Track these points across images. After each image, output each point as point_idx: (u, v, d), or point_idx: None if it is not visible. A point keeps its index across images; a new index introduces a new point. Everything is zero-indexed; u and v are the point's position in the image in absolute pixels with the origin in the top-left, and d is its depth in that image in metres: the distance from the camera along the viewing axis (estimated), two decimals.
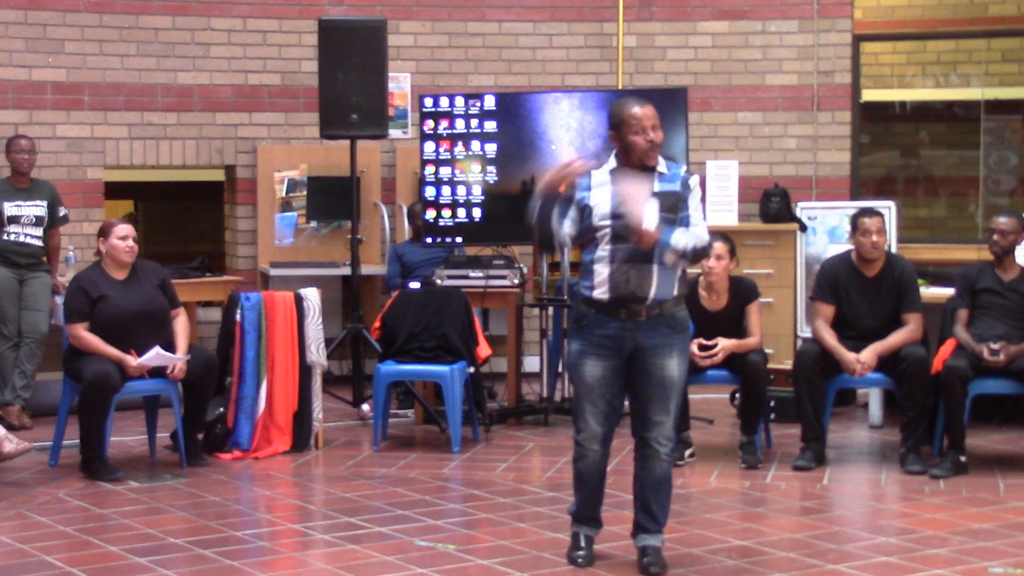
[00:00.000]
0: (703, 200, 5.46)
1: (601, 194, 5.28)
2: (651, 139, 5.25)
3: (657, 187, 5.27)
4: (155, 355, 7.11)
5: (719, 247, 7.37)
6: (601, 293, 5.28)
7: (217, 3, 10.04)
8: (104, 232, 7.35)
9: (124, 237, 7.29)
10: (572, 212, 5.31)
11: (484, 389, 8.51)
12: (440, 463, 7.48)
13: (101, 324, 7.17)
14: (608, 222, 5.25)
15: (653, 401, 5.35)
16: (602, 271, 5.27)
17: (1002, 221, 7.34)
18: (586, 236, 5.32)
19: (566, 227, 5.31)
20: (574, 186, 5.32)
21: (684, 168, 5.48)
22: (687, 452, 7.42)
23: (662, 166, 5.35)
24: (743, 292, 7.51)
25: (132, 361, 7.08)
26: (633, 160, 5.28)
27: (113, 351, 7.10)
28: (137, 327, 7.17)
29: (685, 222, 5.30)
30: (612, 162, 5.36)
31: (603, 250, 5.27)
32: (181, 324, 7.42)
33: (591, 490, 5.49)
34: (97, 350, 7.11)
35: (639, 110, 5.25)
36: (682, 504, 6.61)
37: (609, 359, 5.31)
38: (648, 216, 5.19)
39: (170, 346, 7.25)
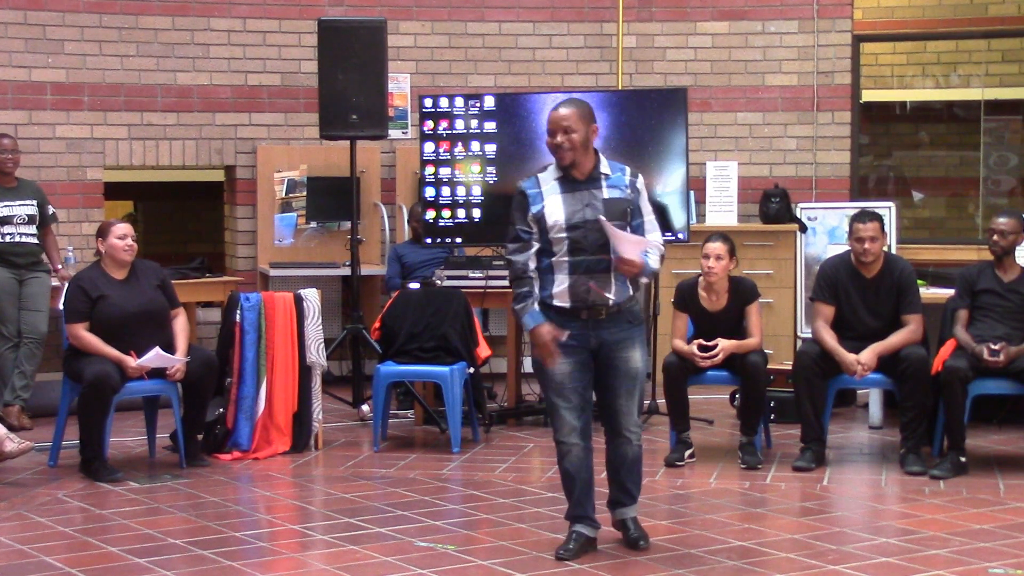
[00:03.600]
0: (648, 200, 5.64)
1: (553, 204, 5.43)
2: (556, 142, 5.41)
3: (606, 194, 5.44)
4: (154, 356, 7.11)
5: (719, 247, 7.37)
6: (561, 302, 5.44)
7: (217, 4, 10.04)
8: (102, 232, 7.35)
9: (123, 236, 7.29)
10: (528, 231, 5.46)
11: (484, 390, 8.51)
12: (440, 464, 7.48)
13: (101, 324, 7.17)
14: (565, 234, 5.40)
15: (621, 393, 5.54)
16: (561, 281, 5.43)
17: (1002, 221, 7.34)
18: (543, 241, 5.47)
19: (530, 265, 5.47)
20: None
21: (628, 171, 5.56)
22: (687, 453, 7.41)
23: (605, 167, 5.50)
24: (743, 292, 7.51)
25: (131, 362, 7.08)
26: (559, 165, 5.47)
27: (112, 352, 7.10)
28: (137, 327, 7.17)
29: (639, 229, 5.48)
30: (555, 169, 5.51)
31: (561, 259, 5.42)
32: (181, 324, 7.41)
33: (581, 487, 5.57)
34: (97, 350, 7.10)
35: (552, 113, 5.45)
36: (682, 504, 6.61)
37: (574, 354, 5.45)
38: (630, 245, 5.36)
39: (170, 346, 7.25)
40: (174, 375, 7.21)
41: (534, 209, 5.43)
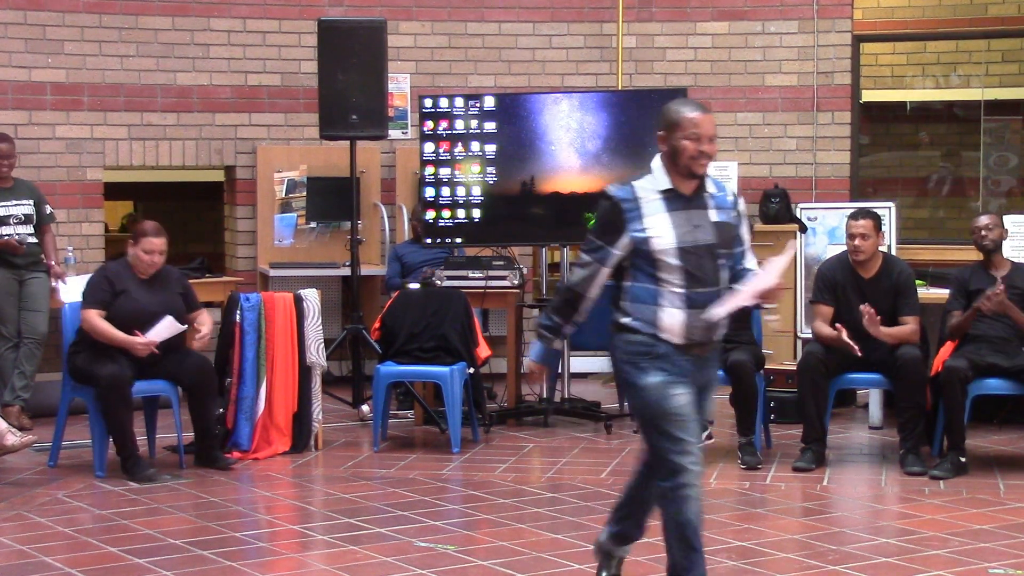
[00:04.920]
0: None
1: (659, 223, 4.56)
2: (701, 150, 4.55)
3: (713, 216, 4.63)
4: (164, 326, 7.08)
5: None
6: (673, 337, 4.57)
7: (217, 4, 10.04)
8: (136, 237, 7.29)
9: (150, 252, 7.23)
10: (608, 251, 4.59)
11: (484, 390, 8.51)
12: (440, 464, 7.48)
13: (118, 317, 7.14)
14: (677, 261, 4.54)
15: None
16: (673, 315, 4.55)
17: (984, 219, 7.49)
18: (638, 264, 4.61)
19: (591, 292, 4.66)
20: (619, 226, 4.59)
21: (729, 190, 4.78)
22: (704, 435, 7.40)
23: (710, 184, 4.70)
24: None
25: (140, 340, 7.05)
26: (680, 167, 4.58)
27: (120, 336, 7.06)
28: (153, 325, 7.14)
29: (740, 259, 4.73)
30: (661, 179, 4.63)
31: (674, 291, 4.55)
32: (204, 316, 7.43)
33: (699, 544, 4.63)
34: (105, 335, 7.07)
35: (697, 116, 4.57)
36: None
37: (691, 387, 4.62)
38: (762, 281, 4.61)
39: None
40: (204, 340, 7.23)
41: (633, 228, 4.55)
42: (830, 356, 7.28)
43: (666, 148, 4.60)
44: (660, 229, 4.54)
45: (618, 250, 4.57)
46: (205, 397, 7.33)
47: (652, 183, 4.63)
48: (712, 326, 4.58)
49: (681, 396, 4.57)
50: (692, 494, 4.55)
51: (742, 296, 4.59)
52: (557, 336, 4.72)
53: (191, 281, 8.98)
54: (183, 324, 7.25)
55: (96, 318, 7.13)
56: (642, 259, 4.56)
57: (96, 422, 7.16)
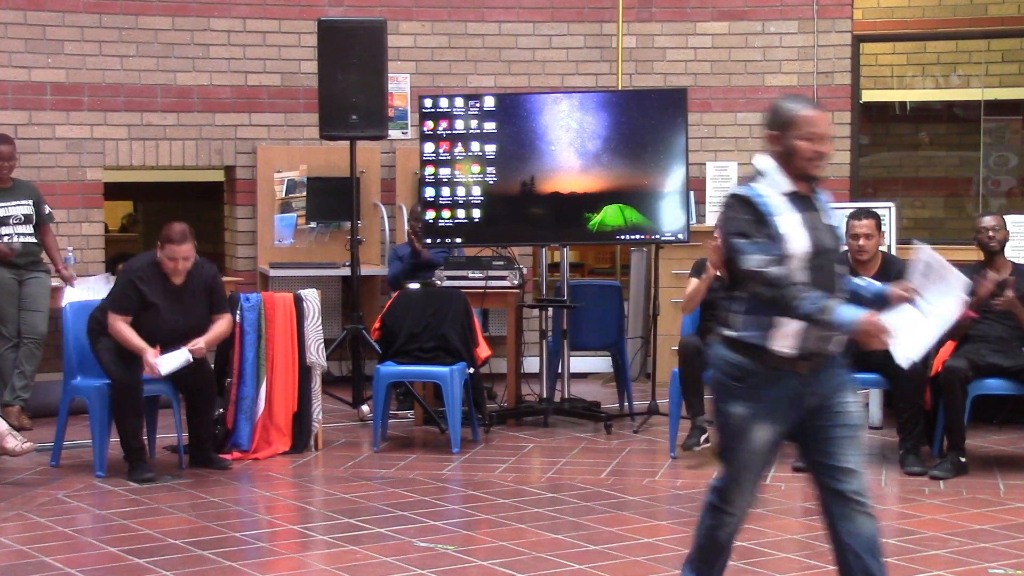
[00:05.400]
0: None
1: (791, 225, 4.26)
2: (821, 150, 4.28)
3: (826, 220, 4.36)
4: (175, 360, 7.06)
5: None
6: (784, 348, 4.26)
7: (217, 4, 10.04)
8: (162, 242, 7.23)
9: (174, 258, 7.17)
10: (774, 247, 4.24)
11: (484, 390, 8.51)
12: (440, 464, 7.48)
13: (141, 330, 7.12)
14: (806, 265, 4.25)
15: (847, 445, 4.36)
16: (790, 324, 4.24)
17: (988, 219, 7.49)
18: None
19: (788, 272, 4.22)
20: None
21: (827, 193, 4.52)
22: (703, 437, 7.40)
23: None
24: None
25: (149, 361, 7.03)
26: (794, 168, 4.29)
27: (136, 343, 7.05)
28: (176, 341, 7.14)
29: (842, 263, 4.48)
30: (781, 180, 4.31)
31: None
32: (217, 325, 7.33)
33: (724, 561, 4.61)
34: (125, 341, 7.06)
35: (815, 114, 4.30)
36: (682, 504, 6.62)
37: (779, 423, 4.36)
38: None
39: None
40: (197, 350, 7.14)
41: (775, 223, 4.25)
42: None
43: (779, 148, 4.31)
44: (794, 231, 4.25)
45: (771, 240, 4.23)
46: (201, 403, 7.33)
47: (772, 185, 4.32)
48: (827, 337, 4.27)
49: (760, 435, 4.32)
50: (730, 526, 4.48)
51: (938, 323, 4.32)
52: (824, 300, 4.17)
53: None
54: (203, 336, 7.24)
55: (121, 324, 7.10)
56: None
57: (96, 422, 7.16)
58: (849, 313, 4.17)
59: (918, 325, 4.34)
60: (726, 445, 4.43)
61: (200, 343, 7.15)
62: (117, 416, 7.08)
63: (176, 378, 7.24)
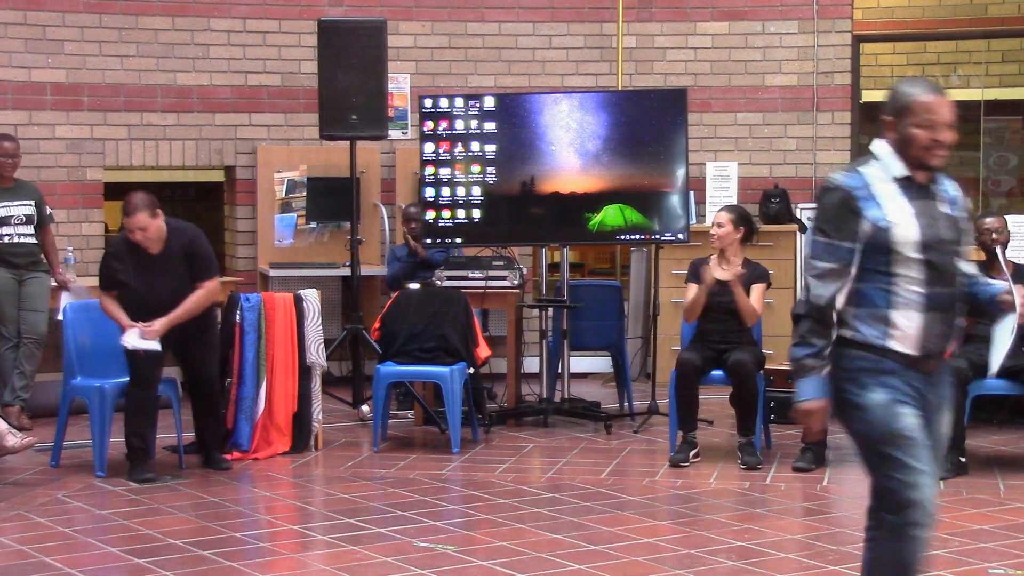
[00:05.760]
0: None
1: (899, 211, 3.98)
2: (939, 139, 4.00)
3: (946, 210, 4.09)
4: (133, 338, 7.07)
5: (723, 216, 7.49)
6: (906, 347, 4.00)
7: (217, 4, 10.04)
8: (123, 211, 7.22)
9: (131, 230, 7.13)
10: (851, 247, 3.98)
11: (484, 390, 8.51)
12: (440, 464, 7.48)
13: (129, 301, 7.17)
14: (919, 255, 3.96)
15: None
16: (910, 319, 3.98)
17: (991, 220, 7.48)
18: (867, 262, 4.01)
19: (838, 301, 4.00)
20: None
21: (952, 183, 4.22)
22: (692, 453, 7.41)
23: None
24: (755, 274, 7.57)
25: (123, 336, 7.04)
26: (909, 155, 4.01)
27: (117, 316, 7.11)
28: (164, 310, 7.13)
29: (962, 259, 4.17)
30: (894, 164, 4.04)
31: (908, 291, 3.98)
32: (190, 299, 7.18)
33: None
34: (109, 314, 7.15)
35: (937, 99, 4.00)
36: (682, 505, 6.62)
37: (919, 409, 4.04)
38: None
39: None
40: (152, 331, 7.07)
41: (869, 216, 3.96)
42: None
43: (894, 135, 4.02)
44: (901, 218, 3.96)
45: (859, 243, 3.97)
46: (208, 403, 7.35)
47: (883, 169, 4.03)
48: (950, 333, 4.04)
49: (910, 417, 3.97)
50: (921, 535, 3.95)
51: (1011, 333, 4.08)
52: (824, 361, 4.01)
53: None
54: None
55: (106, 300, 7.19)
56: (875, 254, 3.97)
57: (96, 422, 7.16)
58: (809, 389, 4.02)
59: (1006, 334, 4.22)
60: (875, 443, 4.00)
61: (156, 324, 7.06)
62: (130, 412, 7.07)
63: (189, 378, 7.29)
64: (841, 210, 3.98)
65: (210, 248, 7.43)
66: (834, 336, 4.01)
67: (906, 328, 3.98)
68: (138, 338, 7.03)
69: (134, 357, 7.05)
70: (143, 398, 7.05)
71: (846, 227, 3.97)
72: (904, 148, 4.01)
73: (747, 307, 7.44)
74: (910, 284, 3.97)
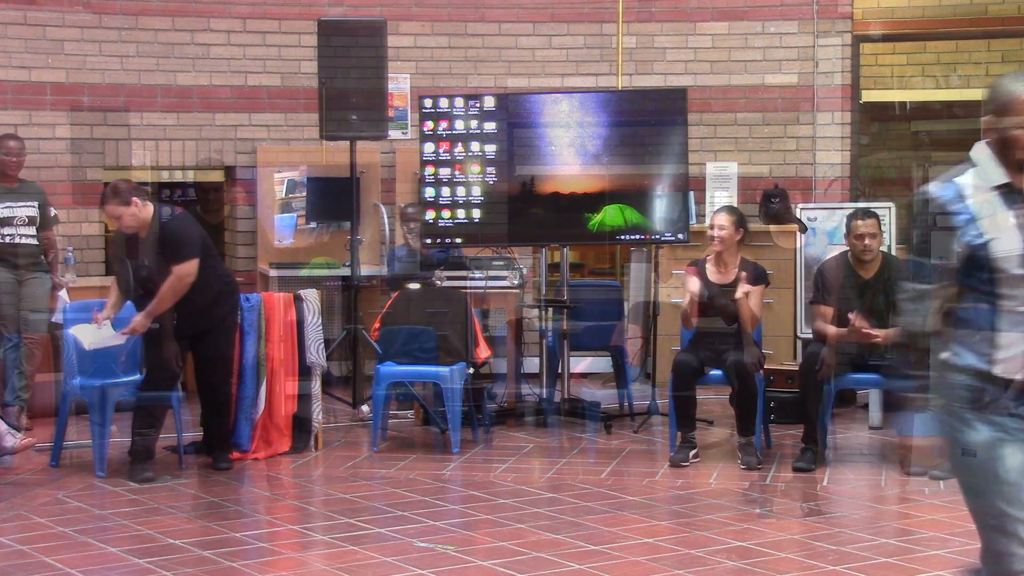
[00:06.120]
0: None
1: (999, 225, 3.60)
2: None
3: None
4: (89, 333, 7.16)
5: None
6: (1010, 373, 3.59)
7: (216, 4, 10.04)
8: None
9: (112, 219, 7.24)
10: (947, 267, 3.66)
11: (484, 390, 8.51)
12: (439, 464, 7.48)
13: (126, 291, 7.28)
14: (1022, 271, 3.58)
15: None
16: (1016, 343, 3.59)
17: None
18: (967, 280, 3.65)
19: (930, 318, 3.68)
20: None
21: None
22: (691, 453, 7.41)
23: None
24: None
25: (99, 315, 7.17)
26: (1010, 159, 3.63)
27: (108, 305, 7.25)
28: (153, 294, 7.15)
29: None
30: (993, 171, 3.66)
31: (1015, 311, 3.60)
32: (165, 283, 7.04)
33: None
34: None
35: None
36: (682, 505, 6.62)
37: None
38: None
39: None
40: (132, 328, 7.10)
41: (966, 233, 3.61)
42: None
43: (995, 136, 3.65)
44: (1000, 231, 3.59)
45: (956, 261, 3.62)
46: (219, 403, 7.37)
47: (982, 177, 3.66)
48: None
49: (1013, 458, 3.56)
50: None
51: None
52: (926, 394, 3.69)
53: None
54: None
55: (111, 287, 7.33)
56: (975, 271, 3.62)
57: (96, 422, 7.16)
58: (916, 425, 3.73)
59: None
60: (978, 490, 3.62)
61: (133, 321, 7.08)
62: (139, 412, 7.08)
63: (199, 377, 7.37)
64: (933, 226, 3.66)
65: (185, 232, 7.15)
66: (936, 361, 3.68)
67: (1011, 353, 3.59)
68: (93, 334, 7.09)
69: (151, 356, 7.07)
70: (155, 398, 7.04)
71: (939, 244, 3.64)
72: (1005, 151, 3.64)
73: (749, 316, 7.43)
74: (1014, 303, 3.59)
